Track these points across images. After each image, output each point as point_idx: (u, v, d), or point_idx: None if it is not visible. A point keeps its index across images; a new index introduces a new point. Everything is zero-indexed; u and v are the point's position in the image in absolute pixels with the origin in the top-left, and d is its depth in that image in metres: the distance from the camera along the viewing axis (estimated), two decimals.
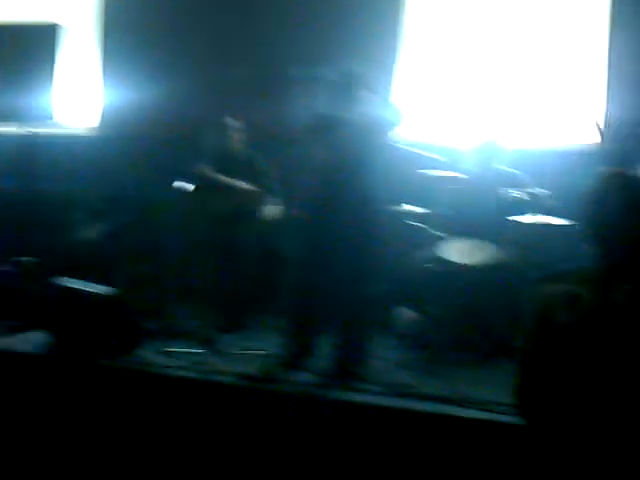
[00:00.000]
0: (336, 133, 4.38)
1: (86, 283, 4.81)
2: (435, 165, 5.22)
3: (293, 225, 4.99)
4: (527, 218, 4.84)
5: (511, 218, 4.89)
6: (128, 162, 6.20)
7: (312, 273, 4.47)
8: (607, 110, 5.46)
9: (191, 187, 5.39)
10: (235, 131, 5.48)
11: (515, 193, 4.99)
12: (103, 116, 6.87)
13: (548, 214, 4.80)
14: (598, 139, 5.00)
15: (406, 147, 5.27)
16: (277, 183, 5.52)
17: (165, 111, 6.12)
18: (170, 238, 5.72)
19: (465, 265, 4.80)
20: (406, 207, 5.19)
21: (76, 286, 4.79)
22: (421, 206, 5.21)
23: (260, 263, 5.46)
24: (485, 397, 3.95)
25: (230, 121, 5.44)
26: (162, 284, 5.60)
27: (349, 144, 4.37)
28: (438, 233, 5.00)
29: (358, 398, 4.07)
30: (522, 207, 4.93)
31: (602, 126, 5.10)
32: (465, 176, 5.11)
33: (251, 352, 4.76)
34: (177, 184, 5.41)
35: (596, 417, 2.18)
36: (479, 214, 5.00)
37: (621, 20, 5.46)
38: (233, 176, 5.38)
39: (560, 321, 2.31)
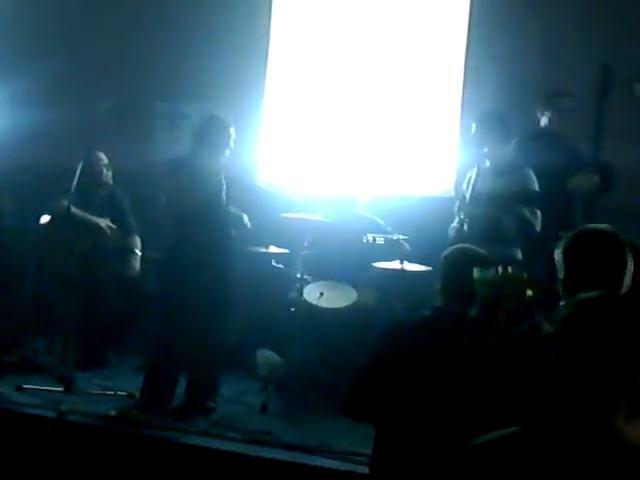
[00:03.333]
0: (183, 175, 4.45)
1: None
2: (302, 209, 5.33)
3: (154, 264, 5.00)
4: (387, 264, 5.01)
5: (373, 264, 5.04)
6: None
7: (172, 315, 4.52)
8: (459, 161, 5.73)
9: (47, 219, 5.28)
10: (102, 165, 5.40)
11: (378, 239, 5.16)
12: None
13: (406, 259, 4.96)
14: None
15: (271, 189, 5.37)
16: (135, 220, 5.49)
17: (29, 139, 5.95)
18: (27, 270, 5.56)
19: (327, 309, 4.91)
20: (272, 249, 5.27)
21: None
22: (286, 248, 5.29)
23: (122, 300, 5.38)
24: (344, 447, 3.97)
25: (99, 155, 5.36)
26: (19, 317, 5.44)
27: (197, 186, 4.44)
28: (302, 276, 5.09)
29: (216, 445, 4.06)
30: (383, 252, 5.10)
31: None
32: (329, 220, 5.24)
33: (110, 392, 4.67)
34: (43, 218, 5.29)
35: None
36: (343, 258, 5.13)
37: (472, 75, 5.82)
38: (93, 212, 5.30)
39: None
